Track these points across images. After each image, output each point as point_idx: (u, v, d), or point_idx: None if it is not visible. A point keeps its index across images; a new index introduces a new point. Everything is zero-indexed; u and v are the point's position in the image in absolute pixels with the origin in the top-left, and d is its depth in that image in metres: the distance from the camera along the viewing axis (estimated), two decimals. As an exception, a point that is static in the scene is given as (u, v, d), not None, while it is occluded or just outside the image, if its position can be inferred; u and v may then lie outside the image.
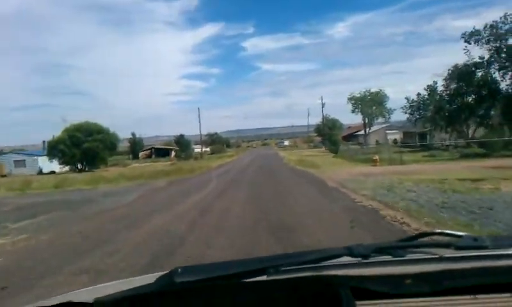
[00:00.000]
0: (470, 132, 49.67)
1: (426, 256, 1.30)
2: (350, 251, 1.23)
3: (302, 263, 1.24)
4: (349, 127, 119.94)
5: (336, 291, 1.08)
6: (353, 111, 78.20)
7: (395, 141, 77.89)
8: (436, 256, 1.29)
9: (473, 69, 42.58)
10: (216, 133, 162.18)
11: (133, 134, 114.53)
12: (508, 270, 1.18)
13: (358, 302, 1.05)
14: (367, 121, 77.83)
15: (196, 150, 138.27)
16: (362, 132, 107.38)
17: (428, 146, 52.89)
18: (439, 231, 1.45)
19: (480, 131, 49.97)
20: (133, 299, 1.18)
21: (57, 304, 1.21)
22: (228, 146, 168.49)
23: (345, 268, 1.25)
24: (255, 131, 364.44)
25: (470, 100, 44.65)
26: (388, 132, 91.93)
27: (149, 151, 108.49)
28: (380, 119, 78.44)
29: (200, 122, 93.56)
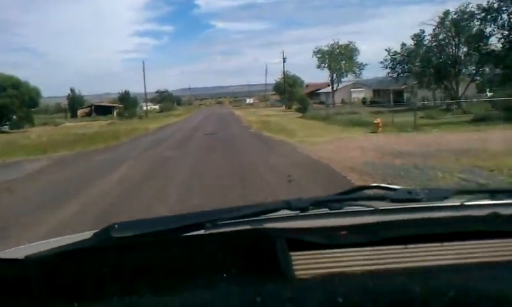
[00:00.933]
0: (460, 89, 40.51)
1: (362, 209, 1.32)
2: (288, 205, 1.23)
3: (240, 217, 1.23)
4: (307, 85, 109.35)
5: (272, 243, 1.05)
6: (319, 66, 67.45)
7: (363, 100, 67.89)
8: (371, 209, 1.31)
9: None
10: (166, 91, 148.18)
11: (72, 90, 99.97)
12: (437, 221, 1.22)
13: (292, 253, 1.03)
14: (334, 77, 66.94)
15: (144, 108, 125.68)
16: (325, 90, 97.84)
17: (407, 105, 43.29)
18: (375, 185, 1.48)
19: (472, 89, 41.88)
20: (67, 254, 1.12)
21: None
22: (179, 104, 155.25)
23: (283, 221, 1.26)
24: (209, 89, 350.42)
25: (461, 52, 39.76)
26: (353, 89, 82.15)
27: (88, 109, 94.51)
28: (350, 77, 67.54)
29: (144, 77, 79.09)
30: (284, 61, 79.19)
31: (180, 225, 1.16)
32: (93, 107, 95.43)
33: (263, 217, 1.26)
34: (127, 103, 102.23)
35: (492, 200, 1.39)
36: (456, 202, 1.36)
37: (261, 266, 0.99)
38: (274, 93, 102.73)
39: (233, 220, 1.22)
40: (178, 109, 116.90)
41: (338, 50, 64.97)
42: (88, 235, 1.19)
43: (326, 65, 66.78)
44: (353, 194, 1.48)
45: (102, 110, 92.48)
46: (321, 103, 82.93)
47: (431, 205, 1.31)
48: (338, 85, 68.50)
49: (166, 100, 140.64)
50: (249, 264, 1.01)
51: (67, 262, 1.08)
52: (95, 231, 1.18)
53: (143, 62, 79.41)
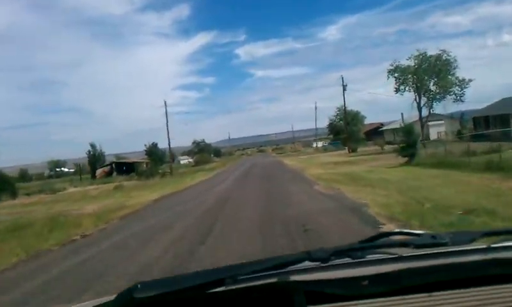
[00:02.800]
0: None
1: (385, 256, 1.26)
2: (309, 256, 1.19)
3: (260, 271, 1.18)
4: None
5: (290, 297, 1.05)
6: (397, 90, 46.69)
7: (459, 134, 46.29)
8: (395, 256, 1.25)
9: None
10: (203, 141, 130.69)
11: (92, 146, 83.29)
12: (463, 265, 1.17)
13: (310, 306, 1.03)
14: (424, 102, 45.96)
15: (182, 161, 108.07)
16: (390, 127, 76.82)
17: None
18: (398, 230, 1.40)
19: None
20: None
21: None
22: (219, 155, 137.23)
23: (304, 273, 1.21)
24: (249, 138, 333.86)
25: None
26: (431, 123, 60.59)
27: (109, 167, 77.09)
28: (448, 100, 45.92)
29: (167, 129, 60.81)
30: (344, 89, 59.05)
31: (201, 282, 1.13)
32: (113, 165, 78.19)
33: (284, 269, 1.19)
34: (155, 157, 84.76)
35: None
36: (482, 245, 1.26)
37: None
38: (327, 134, 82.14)
39: (253, 275, 1.16)
40: (216, 160, 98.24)
41: (426, 64, 44.03)
42: (111, 296, 1.17)
43: (408, 86, 45.78)
44: (376, 241, 1.38)
45: (124, 168, 75.03)
46: (388, 143, 62.58)
47: (456, 249, 1.23)
48: (430, 112, 46.86)
49: (204, 152, 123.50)
50: None
51: None
52: (118, 292, 1.16)
53: (166, 114, 61.25)
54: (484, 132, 39.69)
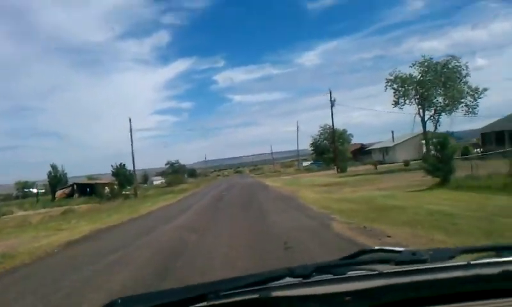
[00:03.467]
0: None
1: (366, 273, 1.25)
2: (291, 272, 1.21)
3: (242, 286, 1.18)
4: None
5: None
6: (396, 103, 39.93)
7: (464, 150, 39.60)
8: (375, 272, 1.23)
9: None
10: (177, 162, 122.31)
11: (53, 167, 74.29)
12: (443, 282, 1.16)
13: None
14: (429, 116, 39.15)
15: (155, 182, 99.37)
16: (379, 146, 70.28)
17: None
18: (378, 247, 1.43)
19: None
20: None
21: None
22: (194, 175, 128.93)
23: (286, 289, 1.18)
24: (227, 160, 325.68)
25: None
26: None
27: (70, 188, 68.21)
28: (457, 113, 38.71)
29: (132, 146, 52.33)
30: (332, 105, 52.18)
31: (183, 297, 1.11)
32: (74, 186, 69.20)
33: (266, 285, 1.18)
34: (121, 178, 75.92)
35: (499, 258, 1.27)
36: (462, 262, 1.25)
37: None
38: (310, 154, 75.19)
39: (235, 291, 1.15)
40: (189, 181, 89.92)
41: (432, 73, 37.30)
42: None
43: (409, 98, 38.94)
44: (357, 258, 1.41)
45: (88, 190, 66.33)
46: (380, 163, 55.96)
47: (436, 266, 1.21)
48: (436, 127, 39.90)
49: (178, 172, 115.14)
50: None
51: None
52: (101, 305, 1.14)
53: (131, 131, 53.33)
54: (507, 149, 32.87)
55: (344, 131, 68.91)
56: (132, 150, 49.56)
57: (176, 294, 1.16)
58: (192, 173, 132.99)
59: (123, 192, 54.77)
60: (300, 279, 1.20)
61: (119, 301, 1.06)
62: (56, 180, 73.11)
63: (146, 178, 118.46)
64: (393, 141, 64.34)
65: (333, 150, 54.89)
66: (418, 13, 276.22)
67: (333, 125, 55.29)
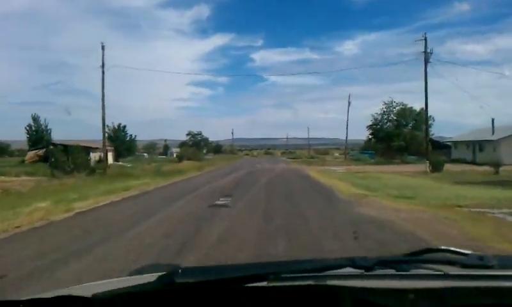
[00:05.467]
0: None
1: (431, 272, 1.18)
2: (353, 262, 1.13)
3: (303, 271, 1.15)
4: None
5: (337, 303, 1.03)
6: None
7: None
8: (441, 273, 1.18)
9: None
10: (200, 134, 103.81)
11: (34, 119, 57.23)
12: (509, 290, 1.10)
13: None
14: None
15: (175, 155, 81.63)
16: (456, 140, 48.97)
17: None
18: (445, 247, 1.33)
19: None
20: (131, 296, 1.10)
21: (54, 297, 1.09)
22: (219, 151, 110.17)
23: (348, 279, 1.14)
24: (257, 140, 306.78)
25: None
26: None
27: (43, 150, 50.25)
28: None
29: (103, 109, 31.73)
30: (427, 60, 30.59)
31: (243, 275, 1.08)
32: (50, 147, 51.33)
33: (326, 273, 1.13)
34: (118, 145, 57.27)
35: None
36: None
37: None
38: (371, 136, 54.15)
39: (296, 274, 1.11)
40: (206, 158, 70.59)
41: None
42: (152, 277, 1.12)
43: None
44: (421, 256, 1.31)
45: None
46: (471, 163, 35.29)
47: (503, 273, 1.14)
48: None
49: (199, 146, 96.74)
50: None
51: (132, 304, 1.07)
52: (159, 273, 1.13)
53: (102, 87, 35.11)
54: None
55: (422, 111, 47.84)
56: (103, 96, 30.12)
57: (238, 270, 1.13)
58: (217, 148, 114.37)
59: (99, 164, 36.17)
60: (362, 270, 1.12)
61: (179, 271, 1.05)
62: (36, 137, 55.68)
63: (167, 148, 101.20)
64: (493, 132, 42.98)
65: (424, 137, 34.26)
66: (464, 16, 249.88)
67: (426, 99, 33.00)
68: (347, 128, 61.78)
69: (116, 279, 1.51)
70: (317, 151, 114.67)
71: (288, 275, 1.09)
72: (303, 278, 1.10)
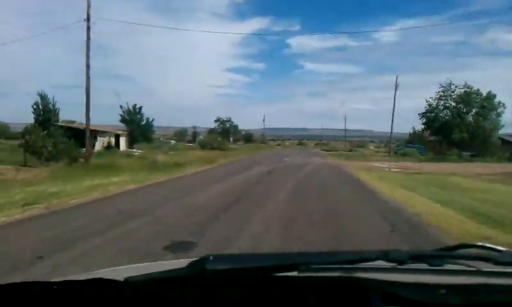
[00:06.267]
0: None
1: (463, 268, 1.18)
2: (385, 256, 1.10)
3: (334, 262, 1.13)
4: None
5: (367, 295, 1.00)
6: None
7: None
8: (474, 269, 1.17)
9: None
10: (230, 120, 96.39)
11: (42, 97, 50.93)
12: None
13: None
14: None
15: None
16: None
17: None
18: (479, 243, 1.31)
19: None
20: (163, 281, 1.09)
21: (87, 280, 1.10)
22: (250, 140, 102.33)
23: (379, 272, 1.14)
24: (291, 130, 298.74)
25: None
26: None
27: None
28: None
29: (87, 78, 24.15)
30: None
31: (274, 264, 1.08)
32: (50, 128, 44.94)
33: (358, 265, 1.12)
34: (134, 130, 50.75)
35: None
36: None
37: None
38: (423, 129, 44.83)
39: (327, 266, 1.11)
40: (231, 147, 62.78)
41: None
42: (184, 263, 1.12)
43: None
44: (455, 251, 1.30)
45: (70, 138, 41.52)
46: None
47: None
48: None
49: (228, 133, 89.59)
50: None
51: (163, 289, 1.07)
52: (191, 259, 1.12)
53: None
54: None
55: (491, 96, 38.03)
56: (88, 84, 22.60)
57: (269, 259, 1.11)
58: (248, 137, 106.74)
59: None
60: (394, 264, 1.10)
61: (211, 258, 1.03)
62: (43, 118, 49.43)
63: (195, 135, 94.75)
64: None
65: (490, 130, 25.49)
66: (507, 4, 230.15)
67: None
68: (392, 119, 52.35)
69: (148, 263, 1.52)
70: (352, 143, 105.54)
71: (319, 266, 1.08)
72: (333, 269, 1.09)
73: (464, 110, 40.05)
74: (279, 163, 27.62)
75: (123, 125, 53.30)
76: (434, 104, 41.68)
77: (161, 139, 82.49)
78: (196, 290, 1.04)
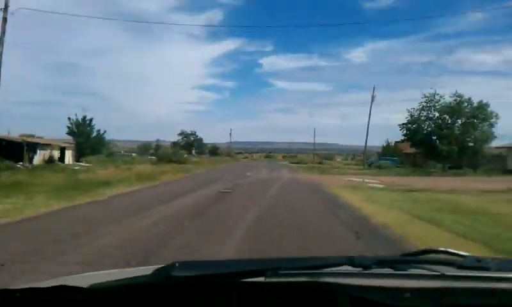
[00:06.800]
0: None
1: (427, 273, 1.17)
2: (351, 261, 1.13)
3: (301, 268, 1.13)
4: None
5: (335, 299, 1.01)
6: None
7: None
8: (437, 273, 1.17)
9: None
10: (194, 134, 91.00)
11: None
12: (506, 292, 1.08)
13: None
14: None
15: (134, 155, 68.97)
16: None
17: None
18: (442, 249, 1.32)
19: None
20: (128, 288, 1.08)
21: (50, 287, 1.07)
22: (215, 153, 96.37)
23: (345, 277, 1.13)
24: (259, 144, 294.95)
25: None
26: None
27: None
28: None
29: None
30: None
31: (241, 270, 1.07)
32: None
33: (324, 270, 1.12)
34: (81, 143, 44.54)
35: None
36: None
37: None
38: (404, 138, 40.35)
39: (294, 271, 1.10)
40: (195, 160, 56.84)
41: None
42: (149, 270, 1.10)
43: None
44: (419, 256, 1.31)
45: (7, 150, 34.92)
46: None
47: (500, 276, 1.12)
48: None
49: (192, 146, 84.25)
50: None
51: (128, 296, 1.05)
52: (156, 266, 1.10)
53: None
54: None
55: (484, 104, 34.07)
56: None
57: (235, 266, 1.10)
58: (213, 150, 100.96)
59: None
60: (360, 269, 1.12)
61: (177, 265, 1.02)
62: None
63: (158, 148, 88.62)
64: None
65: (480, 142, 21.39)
66: (475, 26, 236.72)
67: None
68: (367, 130, 48.33)
69: (114, 270, 1.50)
70: (319, 156, 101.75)
71: (286, 272, 1.06)
72: (300, 275, 1.08)
73: (449, 121, 36.29)
74: (241, 179, 22.41)
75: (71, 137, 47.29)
76: (416, 115, 37.60)
77: (122, 152, 76.53)
78: (161, 297, 1.01)
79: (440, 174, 34.70)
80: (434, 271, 1.15)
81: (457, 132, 34.91)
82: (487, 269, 1.10)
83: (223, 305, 1.00)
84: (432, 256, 1.31)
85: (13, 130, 44.39)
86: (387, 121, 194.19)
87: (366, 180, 25.11)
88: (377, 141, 69.89)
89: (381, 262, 1.15)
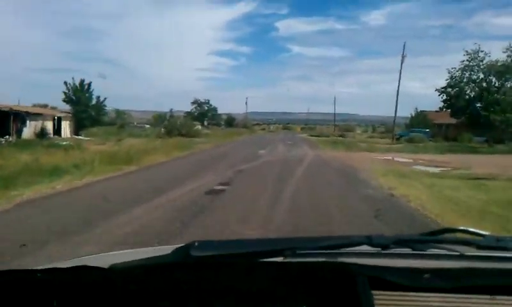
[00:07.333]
0: None
1: (446, 253, 1.17)
2: (369, 240, 1.12)
3: (320, 248, 1.13)
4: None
5: (353, 280, 0.99)
6: None
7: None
8: (457, 253, 1.17)
9: None
10: (208, 103, 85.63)
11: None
12: None
13: (374, 292, 0.97)
14: None
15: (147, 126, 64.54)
16: None
17: None
18: (462, 228, 1.30)
19: None
20: (148, 268, 1.08)
21: (71, 267, 1.07)
22: (231, 125, 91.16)
23: (364, 257, 1.15)
24: (277, 115, 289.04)
25: None
26: None
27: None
28: None
29: None
30: None
31: (260, 250, 1.07)
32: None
33: (343, 250, 1.13)
34: (79, 111, 39.90)
35: None
36: None
37: (340, 301, 0.94)
38: (444, 105, 34.21)
39: (312, 251, 1.12)
40: (208, 133, 51.74)
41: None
42: (168, 249, 1.11)
43: None
44: (438, 236, 1.29)
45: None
46: None
47: None
48: None
49: (204, 116, 79.42)
50: (329, 298, 0.96)
51: (148, 276, 1.05)
52: (176, 245, 1.12)
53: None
54: None
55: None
56: None
57: (251, 245, 1.10)
58: (229, 121, 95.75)
59: None
60: (378, 249, 1.12)
61: (196, 244, 1.03)
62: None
63: (171, 119, 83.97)
64: None
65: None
66: None
67: None
68: (397, 98, 42.16)
69: (133, 250, 1.50)
70: (339, 127, 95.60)
71: (304, 252, 1.07)
72: (318, 255, 1.09)
73: (496, 84, 30.14)
74: (248, 161, 17.21)
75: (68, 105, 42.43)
76: (457, 76, 31.34)
77: (135, 123, 72.40)
78: (181, 276, 1.01)
79: (486, 150, 29.12)
80: (453, 251, 1.14)
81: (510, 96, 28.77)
82: (507, 249, 1.09)
83: (241, 285, 0.98)
84: (452, 235, 1.29)
85: (25, 100, 40.38)
86: (412, 90, 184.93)
87: (408, 160, 19.72)
88: (400, 111, 63.58)
89: (400, 242, 1.13)
